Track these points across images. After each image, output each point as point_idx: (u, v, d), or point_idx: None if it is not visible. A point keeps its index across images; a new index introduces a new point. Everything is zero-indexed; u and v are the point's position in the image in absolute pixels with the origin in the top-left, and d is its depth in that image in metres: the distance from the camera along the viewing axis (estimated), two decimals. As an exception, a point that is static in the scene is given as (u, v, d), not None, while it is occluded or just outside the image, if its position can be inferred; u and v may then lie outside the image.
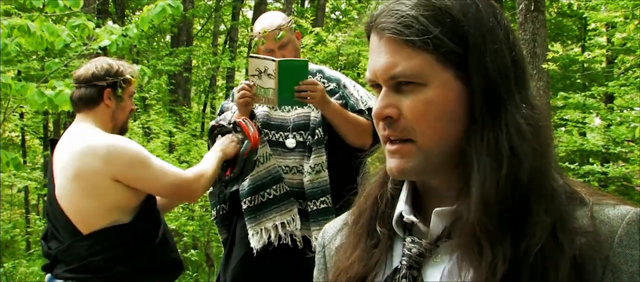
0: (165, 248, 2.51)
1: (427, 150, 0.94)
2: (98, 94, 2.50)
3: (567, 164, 7.06)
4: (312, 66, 2.91)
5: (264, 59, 2.64)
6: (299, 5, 15.16)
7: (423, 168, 0.95)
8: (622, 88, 7.64)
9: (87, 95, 2.51)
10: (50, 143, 2.62)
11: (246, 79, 2.73)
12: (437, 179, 0.98)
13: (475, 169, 0.91)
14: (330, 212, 2.64)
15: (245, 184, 2.76)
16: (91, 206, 2.35)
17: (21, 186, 12.07)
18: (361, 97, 2.80)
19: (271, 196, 2.73)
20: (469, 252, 0.90)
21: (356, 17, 14.32)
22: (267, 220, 2.73)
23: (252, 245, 2.74)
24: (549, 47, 9.00)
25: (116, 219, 2.37)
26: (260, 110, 2.85)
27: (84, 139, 2.39)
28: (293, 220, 2.71)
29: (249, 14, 16.42)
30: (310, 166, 2.70)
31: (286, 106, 2.83)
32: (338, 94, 2.80)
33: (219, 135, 2.73)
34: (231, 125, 2.69)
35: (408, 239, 0.98)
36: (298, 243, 2.72)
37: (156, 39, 14.60)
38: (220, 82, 16.11)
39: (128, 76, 2.56)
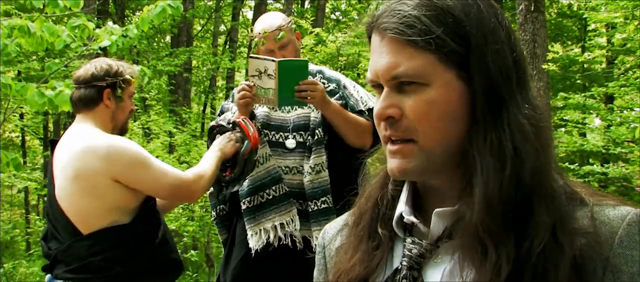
0: (165, 249, 2.51)
1: (429, 150, 0.93)
2: (97, 94, 2.50)
3: (567, 164, 7.06)
4: (312, 67, 2.91)
5: (264, 59, 2.64)
6: (299, 5, 15.16)
7: (424, 168, 0.95)
8: (622, 89, 7.64)
9: (86, 96, 2.51)
10: (50, 144, 2.62)
11: (246, 80, 2.73)
12: (439, 180, 0.98)
13: (479, 169, 0.91)
14: (331, 212, 2.64)
15: (245, 184, 2.76)
16: (91, 206, 2.35)
17: (21, 187, 12.07)
18: (361, 97, 2.80)
19: (270, 197, 2.73)
20: (471, 253, 0.89)
21: (356, 17, 14.32)
22: (266, 221, 2.73)
23: (250, 245, 2.74)
24: (549, 47, 9.00)
25: (116, 220, 2.37)
26: (260, 110, 2.85)
27: (84, 140, 2.39)
28: (292, 221, 2.71)
29: (249, 15, 16.42)
30: (310, 166, 2.70)
31: (286, 107, 2.83)
32: (338, 95, 2.80)
33: (218, 136, 2.72)
34: (230, 125, 2.69)
35: (408, 239, 0.98)
36: (298, 244, 2.71)
37: (156, 39, 14.59)
38: (221, 82, 16.11)
39: (127, 76, 2.56)
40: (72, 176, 2.35)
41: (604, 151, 7.32)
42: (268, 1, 14.70)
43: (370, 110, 2.72)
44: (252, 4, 15.32)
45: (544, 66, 6.78)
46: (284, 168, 2.75)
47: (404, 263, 0.97)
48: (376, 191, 1.06)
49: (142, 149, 2.45)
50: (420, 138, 0.93)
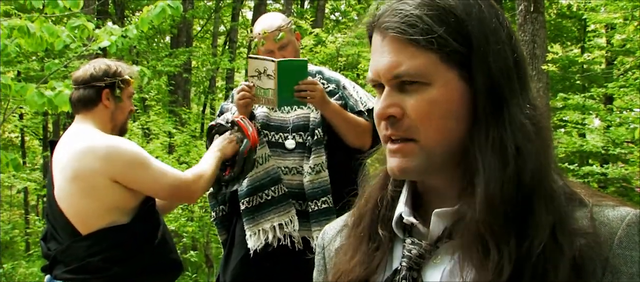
0: (165, 249, 2.51)
1: (430, 149, 0.93)
2: (96, 94, 2.50)
3: (566, 165, 7.06)
4: (311, 67, 2.91)
5: (263, 59, 2.64)
6: (299, 6, 15.15)
7: (425, 167, 0.95)
8: (622, 89, 7.64)
9: (85, 97, 2.51)
10: (49, 145, 2.62)
11: (246, 80, 2.73)
12: (439, 179, 0.98)
13: (480, 168, 0.91)
14: (331, 212, 2.64)
15: (244, 184, 2.76)
16: (90, 206, 2.35)
17: (20, 187, 12.07)
18: (361, 98, 2.80)
19: (269, 197, 2.73)
20: (471, 253, 0.89)
21: (356, 18, 14.32)
22: (265, 221, 2.73)
23: (249, 246, 2.73)
24: (549, 48, 9.00)
25: (115, 220, 2.37)
26: (260, 111, 2.84)
27: (83, 140, 2.39)
28: (291, 221, 2.71)
29: (249, 15, 16.41)
30: (310, 167, 2.70)
31: (286, 107, 2.82)
32: (337, 95, 2.80)
33: (217, 135, 2.72)
34: (229, 124, 2.69)
35: (408, 240, 0.98)
36: (296, 244, 2.71)
37: (156, 39, 14.60)
38: (220, 83, 16.11)
39: (126, 77, 2.56)
40: (71, 176, 2.35)
41: (603, 151, 7.32)
42: (268, 2, 14.70)
43: (370, 110, 2.73)
44: (252, 4, 15.33)
45: (543, 67, 6.79)
46: (283, 169, 2.75)
47: (404, 264, 0.97)
48: (376, 191, 1.06)
49: (141, 150, 2.45)
50: (421, 137, 0.93)
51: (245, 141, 2.61)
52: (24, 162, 12.78)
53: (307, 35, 8.44)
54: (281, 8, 13.73)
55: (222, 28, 16.60)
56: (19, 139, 15.24)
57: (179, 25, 13.22)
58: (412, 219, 0.98)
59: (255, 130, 2.67)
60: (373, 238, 1.03)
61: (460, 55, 0.92)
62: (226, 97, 4.04)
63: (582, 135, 8.70)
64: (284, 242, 2.71)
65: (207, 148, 2.74)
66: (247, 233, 2.75)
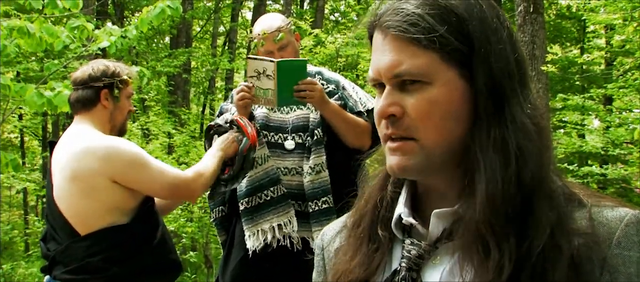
0: (164, 249, 2.51)
1: (430, 149, 0.93)
2: (95, 95, 2.51)
3: (566, 165, 7.06)
4: (311, 68, 2.91)
5: (263, 60, 2.64)
6: (298, 6, 15.15)
7: (424, 167, 0.95)
8: (621, 90, 7.65)
9: (84, 97, 2.51)
10: (49, 145, 2.62)
11: (245, 81, 2.73)
12: (439, 179, 0.98)
13: (482, 167, 0.91)
14: (332, 212, 2.64)
15: (243, 185, 2.76)
16: (90, 207, 2.35)
17: (20, 188, 12.07)
18: (360, 98, 2.80)
19: (268, 198, 2.73)
20: (471, 253, 0.89)
21: (355, 18, 14.33)
22: (264, 221, 2.73)
23: (248, 246, 2.73)
24: (548, 49, 9.00)
25: (114, 220, 2.37)
26: (259, 112, 2.85)
27: (82, 140, 2.39)
28: (290, 222, 2.71)
29: (248, 16, 16.41)
30: (310, 167, 2.70)
31: (285, 108, 2.83)
32: (337, 95, 2.80)
33: (216, 136, 2.72)
34: (228, 124, 2.69)
35: (407, 241, 0.98)
36: (296, 245, 2.71)
37: (155, 40, 14.60)
38: (219, 83, 16.11)
39: (125, 77, 2.56)
40: (70, 176, 2.35)
41: (602, 152, 7.33)
42: (267, 2, 14.70)
43: (369, 111, 2.73)
44: (251, 5, 15.33)
45: (542, 67, 6.79)
46: (282, 169, 2.75)
47: (403, 264, 0.97)
48: (375, 192, 1.06)
49: (140, 149, 2.45)
50: (421, 136, 0.93)
51: (244, 139, 2.61)
52: (23, 163, 12.78)
53: (307, 36, 8.45)
54: (281, 9, 13.73)
55: (221, 29, 16.60)
56: (19, 139, 15.24)
57: (178, 26, 13.22)
58: (411, 220, 0.98)
59: (255, 129, 2.67)
60: (373, 239, 1.03)
61: (462, 54, 0.92)
62: (225, 98, 4.04)
63: (582, 136, 8.71)
64: (283, 243, 2.71)
65: (205, 149, 2.74)
66: (246, 234, 2.75)
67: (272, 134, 2.80)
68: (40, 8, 3.83)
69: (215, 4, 15.01)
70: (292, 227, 2.70)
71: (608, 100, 10.17)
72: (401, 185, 1.04)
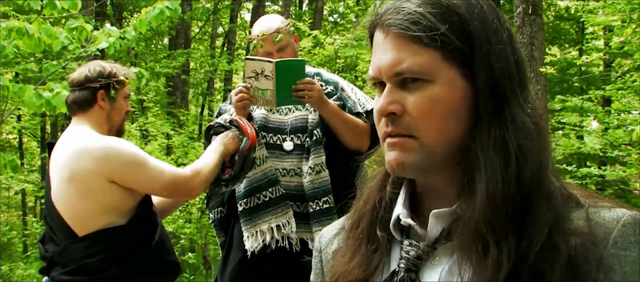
0: (162, 250, 2.50)
1: (430, 148, 0.94)
2: (92, 95, 2.51)
3: (564, 166, 7.08)
4: (309, 69, 2.91)
5: (261, 60, 2.64)
6: (297, 8, 15.16)
7: (424, 165, 0.95)
8: (620, 91, 7.66)
9: (81, 98, 2.51)
10: (47, 147, 2.62)
11: (244, 82, 2.73)
12: (438, 178, 0.98)
13: (482, 166, 0.91)
14: (333, 212, 2.64)
15: (242, 186, 2.76)
16: (87, 207, 2.34)
17: (18, 189, 12.06)
18: (359, 99, 2.80)
19: (267, 198, 2.73)
20: (470, 252, 0.89)
21: (354, 20, 14.33)
22: (262, 222, 2.72)
23: (246, 247, 2.73)
24: (547, 50, 9.01)
25: (112, 221, 2.36)
26: (258, 113, 2.84)
27: (79, 141, 2.39)
28: (288, 223, 2.71)
29: (247, 17, 16.40)
30: (309, 167, 2.70)
31: (284, 109, 2.82)
32: (336, 96, 2.80)
33: (215, 136, 2.71)
34: (227, 124, 2.68)
35: (405, 242, 0.98)
36: (294, 246, 2.71)
37: (154, 41, 14.59)
38: (218, 84, 16.11)
39: (121, 78, 2.56)
40: (68, 177, 2.35)
41: (601, 153, 7.34)
42: (266, 3, 14.70)
43: (368, 112, 2.73)
44: (250, 6, 15.33)
45: (541, 69, 6.80)
46: (281, 170, 2.75)
47: (402, 265, 0.97)
48: (374, 193, 1.06)
49: (137, 149, 2.45)
50: (421, 135, 0.93)
51: (244, 139, 2.60)
52: (22, 164, 12.77)
53: (306, 37, 8.45)
54: (279, 10, 13.74)
55: (220, 30, 16.60)
56: (17, 140, 15.23)
57: (177, 27, 13.22)
58: (410, 221, 0.98)
59: (254, 129, 2.67)
60: (371, 240, 1.03)
61: (463, 54, 0.92)
62: (224, 99, 4.04)
63: (580, 138, 8.72)
64: (281, 244, 2.71)
65: (205, 149, 2.73)
66: (245, 234, 2.75)
67: (270, 135, 2.80)
68: (39, 9, 3.83)
69: (214, 5, 15.01)
70: (291, 228, 2.70)
71: (607, 101, 10.18)
72: (400, 186, 1.04)
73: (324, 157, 2.70)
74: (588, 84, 11.16)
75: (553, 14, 13.77)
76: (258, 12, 12.66)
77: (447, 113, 0.92)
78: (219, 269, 2.93)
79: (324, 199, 2.67)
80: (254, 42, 2.80)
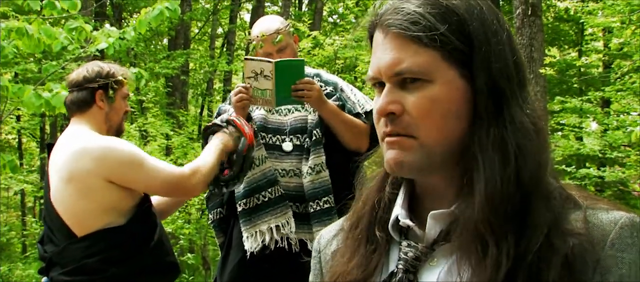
0: (161, 251, 2.50)
1: (430, 147, 0.94)
2: (90, 96, 2.51)
3: (564, 167, 7.08)
4: (309, 70, 2.91)
5: (260, 60, 2.64)
6: (297, 8, 15.16)
7: (422, 165, 0.95)
8: (619, 93, 7.67)
9: (79, 99, 2.51)
10: (46, 147, 2.61)
11: (243, 82, 2.73)
12: (437, 178, 0.98)
13: (481, 166, 0.91)
14: (333, 211, 2.64)
15: (241, 186, 2.76)
16: (86, 207, 2.34)
17: (17, 189, 12.06)
18: (358, 100, 2.80)
19: (266, 199, 2.73)
20: (469, 252, 0.90)
21: (354, 21, 14.33)
22: (261, 222, 2.72)
23: (246, 247, 2.73)
24: (546, 51, 9.03)
25: (111, 221, 2.36)
26: (258, 113, 2.84)
27: (78, 141, 2.39)
28: (288, 223, 2.71)
29: (247, 18, 16.40)
30: (310, 167, 2.70)
31: (283, 110, 2.83)
32: (335, 97, 2.81)
33: (211, 136, 2.71)
34: (225, 124, 2.68)
35: (404, 243, 0.98)
36: (293, 247, 2.71)
37: (154, 42, 14.59)
38: (218, 85, 16.10)
39: (119, 78, 2.56)
40: (66, 178, 2.35)
41: (600, 154, 7.35)
42: (265, 4, 14.70)
43: (368, 113, 2.73)
44: (250, 6, 15.33)
45: (541, 70, 6.80)
46: (280, 171, 2.75)
47: (400, 266, 0.97)
48: (373, 194, 1.06)
49: (135, 148, 2.44)
50: (420, 135, 0.93)
51: (242, 139, 2.60)
52: (21, 164, 12.76)
53: (305, 38, 8.46)
54: (279, 11, 13.74)
55: (219, 30, 16.60)
56: (16, 140, 15.23)
57: (176, 28, 13.21)
58: (408, 222, 0.98)
59: (252, 129, 2.66)
60: (370, 240, 1.03)
61: (462, 54, 0.93)
62: (224, 100, 4.04)
63: (580, 139, 8.72)
64: (281, 245, 2.71)
65: (202, 149, 2.72)
66: (244, 235, 2.75)
67: (270, 135, 2.80)
68: (39, 9, 3.83)
69: (213, 5, 15.01)
70: (290, 228, 2.70)
71: (606, 103, 10.19)
72: (399, 186, 1.04)
73: (324, 157, 2.70)
74: (587, 85, 11.17)
75: (552, 15, 13.77)
76: (257, 12, 12.66)
77: (447, 113, 0.93)
78: (218, 270, 2.93)
79: (325, 198, 2.67)
80: (254, 43, 2.80)
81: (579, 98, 7.85)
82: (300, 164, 2.74)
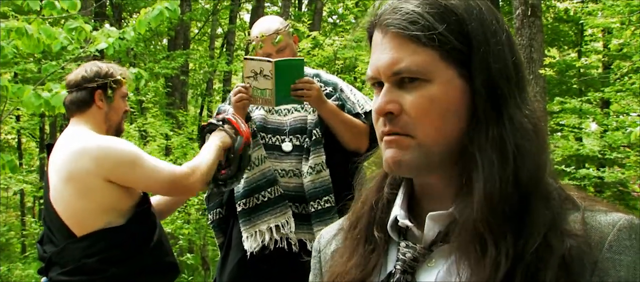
0: (161, 251, 2.50)
1: (428, 147, 0.94)
2: (89, 96, 2.51)
3: (563, 167, 7.08)
4: (309, 70, 2.91)
5: (260, 60, 2.64)
6: (296, 9, 15.16)
7: (420, 164, 0.95)
8: (619, 94, 7.67)
9: (78, 99, 2.51)
10: (46, 148, 2.61)
11: (242, 82, 2.74)
12: (435, 178, 0.98)
13: (480, 166, 0.91)
14: (334, 211, 2.64)
15: (240, 186, 2.76)
16: (86, 207, 2.34)
17: (17, 189, 12.05)
18: (358, 100, 2.81)
19: (266, 199, 2.73)
20: (468, 253, 0.90)
21: (353, 21, 14.33)
22: (261, 222, 2.72)
23: (246, 248, 2.73)
24: (546, 52, 9.03)
25: (110, 221, 2.36)
26: (257, 114, 2.84)
27: (77, 141, 2.39)
28: (287, 223, 2.71)
29: (246, 18, 16.40)
30: (310, 167, 2.70)
31: (283, 110, 2.83)
32: (335, 97, 2.81)
33: (208, 135, 2.70)
34: (220, 122, 2.67)
35: (402, 243, 0.98)
36: (293, 247, 2.71)
37: (153, 42, 14.59)
38: (217, 85, 16.10)
39: (118, 77, 2.56)
40: (66, 177, 2.35)
41: (600, 155, 7.35)
42: (265, 4, 14.70)
43: (367, 113, 2.73)
44: (249, 7, 15.33)
45: (540, 71, 6.80)
46: (280, 171, 2.75)
47: (398, 267, 0.97)
48: (372, 194, 1.06)
49: (134, 147, 2.44)
50: (418, 134, 0.93)
51: (238, 138, 2.60)
52: (21, 164, 12.76)
53: (305, 38, 8.46)
54: (279, 11, 13.74)
55: (219, 30, 16.60)
56: (16, 140, 15.22)
57: (176, 28, 13.21)
58: (407, 222, 0.98)
59: (248, 127, 2.66)
60: (369, 240, 1.03)
61: (461, 54, 0.93)
62: (223, 100, 4.04)
63: (579, 139, 8.73)
64: (280, 245, 2.71)
65: (200, 148, 2.72)
66: (244, 235, 2.75)
67: (269, 136, 2.80)
68: (38, 9, 3.83)
69: (213, 5, 15.01)
70: (290, 228, 2.70)
71: (605, 103, 10.19)
72: (398, 187, 1.04)
73: (324, 156, 2.70)
74: (587, 86, 11.17)
75: (552, 15, 13.78)
76: (257, 13, 12.66)
77: (445, 113, 0.93)
78: (217, 270, 2.93)
79: (325, 198, 2.67)
80: (253, 43, 2.80)
81: (579, 99, 7.85)
82: (299, 165, 2.74)
